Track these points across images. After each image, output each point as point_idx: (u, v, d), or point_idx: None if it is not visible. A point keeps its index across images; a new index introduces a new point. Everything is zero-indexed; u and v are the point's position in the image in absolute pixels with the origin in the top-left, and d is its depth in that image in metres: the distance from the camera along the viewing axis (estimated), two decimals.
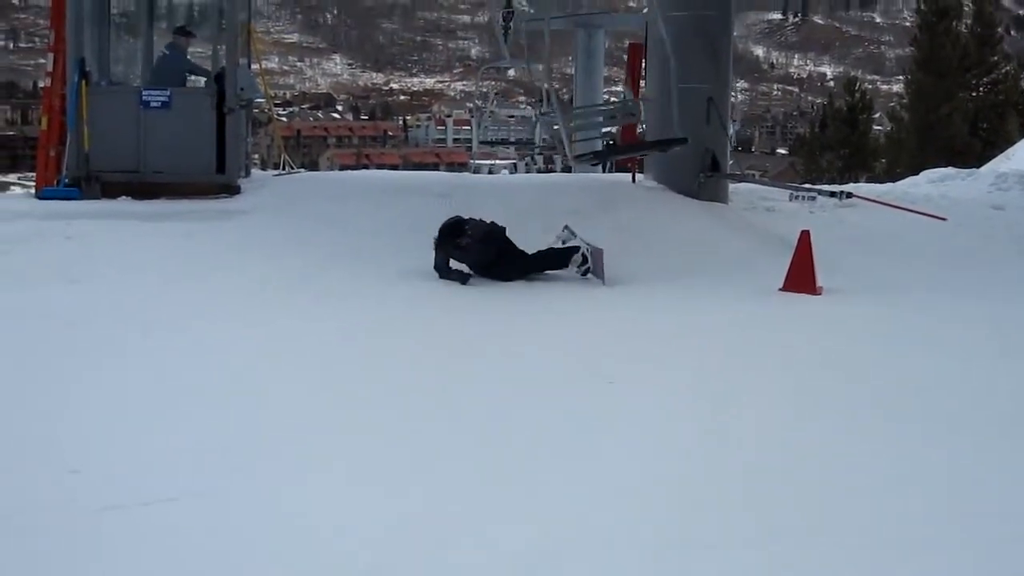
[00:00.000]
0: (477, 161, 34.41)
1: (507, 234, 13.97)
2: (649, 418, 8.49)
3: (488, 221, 14.03)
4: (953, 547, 6.15)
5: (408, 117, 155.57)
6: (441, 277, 13.65)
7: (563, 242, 14.54)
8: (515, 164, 37.25)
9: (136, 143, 18.55)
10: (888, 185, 25.85)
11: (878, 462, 7.55)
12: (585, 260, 14.04)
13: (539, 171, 45.18)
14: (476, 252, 13.70)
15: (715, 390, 9.32)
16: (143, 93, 18.69)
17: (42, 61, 20.51)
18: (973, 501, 6.84)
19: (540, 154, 47.71)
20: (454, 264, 13.77)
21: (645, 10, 21.82)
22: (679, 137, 16.41)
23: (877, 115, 60.90)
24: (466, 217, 14.02)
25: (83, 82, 18.26)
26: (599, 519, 6.44)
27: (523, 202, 17.52)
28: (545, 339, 11.16)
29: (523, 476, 7.15)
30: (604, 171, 24.43)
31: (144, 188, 18.10)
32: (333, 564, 5.78)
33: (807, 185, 24.40)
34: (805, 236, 13.86)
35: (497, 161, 35.26)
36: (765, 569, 5.84)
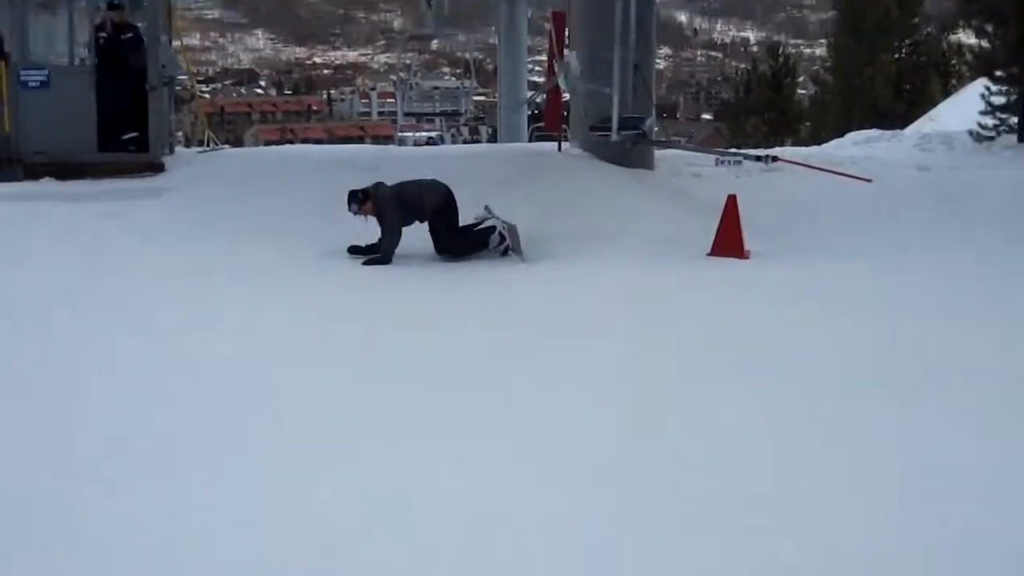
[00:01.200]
0: (403, 133, 34.34)
1: (449, 200, 13.98)
2: (576, 386, 8.51)
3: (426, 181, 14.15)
4: (870, 512, 6.21)
5: (332, 91, 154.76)
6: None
7: (479, 221, 14.37)
8: (440, 135, 37.00)
9: (17, 123, 18.09)
10: (813, 148, 26.03)
11: (803, 421, 7.62)
12: (503, 239, 13.98)
13: (464, 142, 45.18)
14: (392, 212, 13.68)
15: (640, 355, 9.36)
16: (20, 73, 18.19)
17: None
18: (907, 466, 6.91)
19: (466, 125, 47.70)
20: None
21: None
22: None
23: (801, 79, 61.13)
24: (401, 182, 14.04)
25: (2, 63, 17.98)
26: (525, 488, 6.46)
27: (451, 172, 17.47)
28: (473, 314, 11.17)
29: (449, 447, 7.17)
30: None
31: (67, 169, 17.86)
32: (265, 543, 5.78)
33: (732, 150, 24.51)
34: (732, 201, 13.94)
35: (420, 132, 34.94)
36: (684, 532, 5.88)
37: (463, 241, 13.97)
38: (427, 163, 18.30)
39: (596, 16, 19.56)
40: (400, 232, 13.54)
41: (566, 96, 21.90)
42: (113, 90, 18.55)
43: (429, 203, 13.80)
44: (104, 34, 18.87)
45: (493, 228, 14.03)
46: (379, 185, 13.77)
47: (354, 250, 13.57)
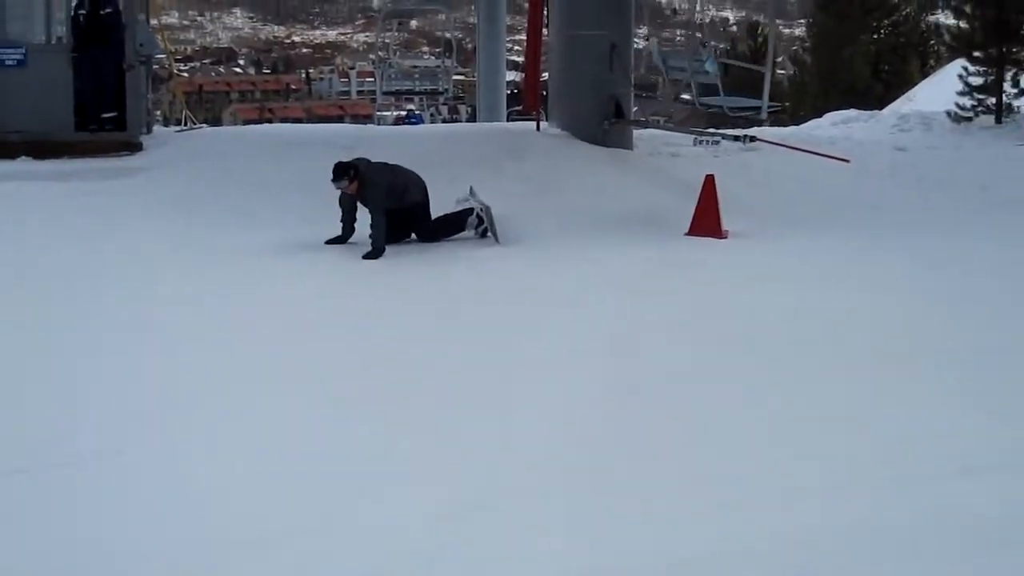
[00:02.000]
0: (382, 113, 34.25)
1: (427, 196, 13.68)
2: (556, 365, 8.53)
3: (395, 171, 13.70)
4: (844, 492, 6.24)
5: (311, 70, 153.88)
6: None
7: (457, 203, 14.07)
8: (420, 113, 36.52)
9: None
10: (792, 128, 26.07)
11: (782, 401, 7.65)
12: (481, 221, 13.78)
13: (444, 121, 45.07)
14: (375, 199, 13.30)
15: (620, 336, 9.36)
16: None
17: None
18: (884, 444, 6.94)
19: (445, 104, 47.53)
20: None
21: None
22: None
23: (780, 59, 61.17)
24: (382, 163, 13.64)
25: None
26: (509, 470, 6.47)
27: (429, 152, 17.47)
28: (450, 294, 11.16)
29: (431, 431, 7.17)
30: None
31: (44, 148, 17.78)
32: (230, 519, 5.79)
33: (711, 130, 24.54)
34: (710, 180, 13.94)
35: (392, 112, 34.45)
36: (668, 515, 5.90)
37: (440, 225, 13.82)
38: (406, 143, 18.30)
39: None
40: (385, 219, 13.03)
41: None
42: (92, 68, 18.48)
43: (410, 198, 13.48)
44: (83, 11, 18.79)
45: (471, 210, 13.87)
46: (368, 164, 13.27)
47: (333, 241, 13.24)
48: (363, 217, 12.98)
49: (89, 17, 18.76)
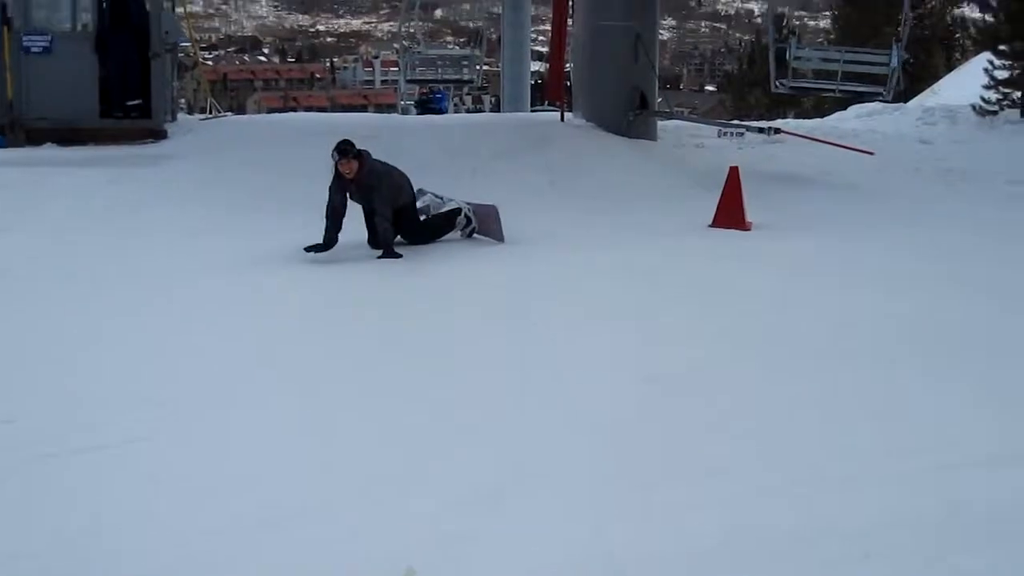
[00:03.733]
0: (405, 102, 34.22)
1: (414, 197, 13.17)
2: (581, 357, 8.51)
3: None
4: (872, 484, 6.22)
5: (335, 59, 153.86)
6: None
7: (428, 209, 13.59)
8: (444, 93, 35.81)
9: (20, 89, 18.23)
10: (816, 120, 26.04)
11: (808, 398, 7.61)
12: (469, 221, 13.36)
13: (467, 111, 45.05)
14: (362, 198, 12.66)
15: (644, 329, 9.33)
16: (23, 38, 18.27)
17: None
18: (900, 436, 6.91)
19: (469, 94, 47.49)
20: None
21: None
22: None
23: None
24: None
25: (5, 28, 17.94)
26: (535, 458, 6.46)
27: (453, 142, 17.47)
28: (477, 288, 11.13)
29: (455, 420, 7.18)
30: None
31: (69, 135, 17.87)
32: (259, 503, 5.80)
33: (735, 122, 24.52)
34: (734, 172, 13.88)
35: (407, 102, 34.05)
36: (691, 504, 5.89)
37: (428, 226, 13.34)
38: (429, 133, 18.31)
39: None
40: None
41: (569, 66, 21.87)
42: (117, 55, 18.53)
43: (404, 197, 12.93)
44: None
45: (458, 210, 13.41)
46: (371, 156, 12.69)
47: (314, 248, 12.25)
48: (347, 224, 12.52)
49: (114, 4, 18.80)
